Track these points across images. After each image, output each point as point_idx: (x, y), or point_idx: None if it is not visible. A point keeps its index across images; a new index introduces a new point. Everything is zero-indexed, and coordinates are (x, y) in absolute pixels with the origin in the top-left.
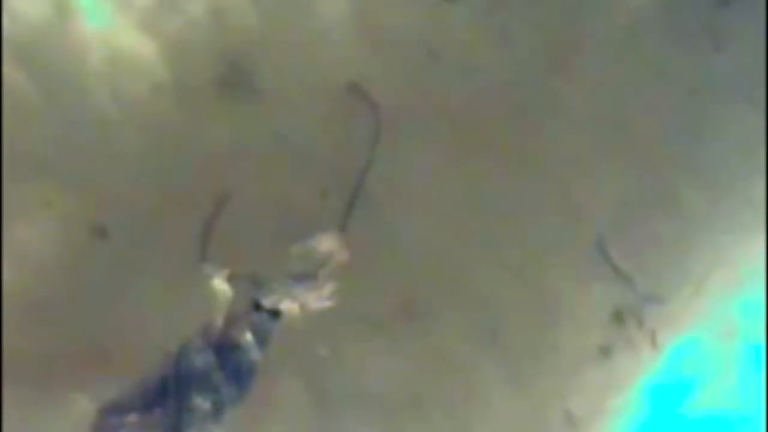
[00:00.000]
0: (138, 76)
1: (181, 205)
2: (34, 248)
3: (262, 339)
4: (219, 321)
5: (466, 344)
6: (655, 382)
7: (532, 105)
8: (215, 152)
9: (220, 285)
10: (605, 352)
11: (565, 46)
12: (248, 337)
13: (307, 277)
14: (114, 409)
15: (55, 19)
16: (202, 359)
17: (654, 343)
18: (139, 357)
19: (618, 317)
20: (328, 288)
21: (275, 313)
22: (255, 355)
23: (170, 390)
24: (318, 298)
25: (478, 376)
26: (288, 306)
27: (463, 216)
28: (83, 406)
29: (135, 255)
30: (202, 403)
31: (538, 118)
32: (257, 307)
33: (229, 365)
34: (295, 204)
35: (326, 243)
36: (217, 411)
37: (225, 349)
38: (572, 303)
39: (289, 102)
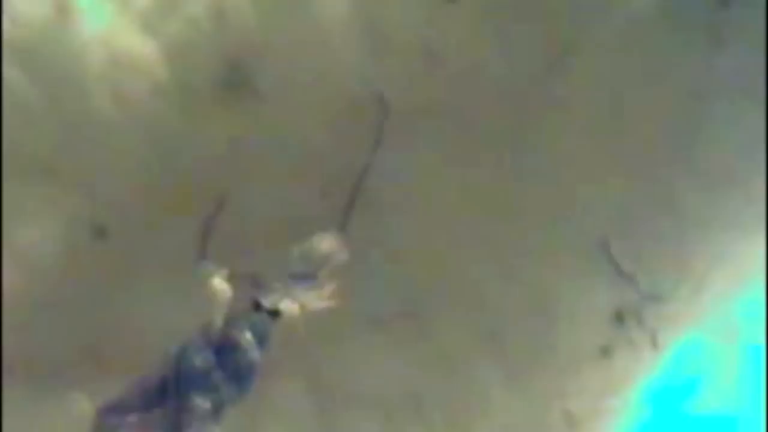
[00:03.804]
0: (138, 76)
1: (181, 205)
2: (34, 248)
3: (262, 339)
4: (219, 321)
5: (466, 344)
6: (655, 383)
7: (532, 105)
8: (215, 152)
9: (220, 285)
10: (605, 352)
11: (565, 46)
12: (248, 337)
13: (307, 277)
14: (114, 409)
15: (55, 19)
16: (201, 359)
17: (654, 343)
18: (139, 357)
19: (618, 317)
20: (328, 288)
21: (275, 313)
22: (255, 355)
23: (170, 390)
24: (318, 298)
25: (477, 376)
26: (288, 306)
27: (463, 216)
28: (83, 406)
29: (135, 255)
30: (202, 403)
31: (538, 118)
32: (257, 307)
33: (229, 365)
34: (295, 204)
35: (326, 243)
36: (217, 411)
37: (225, 349)
38: (572, 303)
39: (289, 102)
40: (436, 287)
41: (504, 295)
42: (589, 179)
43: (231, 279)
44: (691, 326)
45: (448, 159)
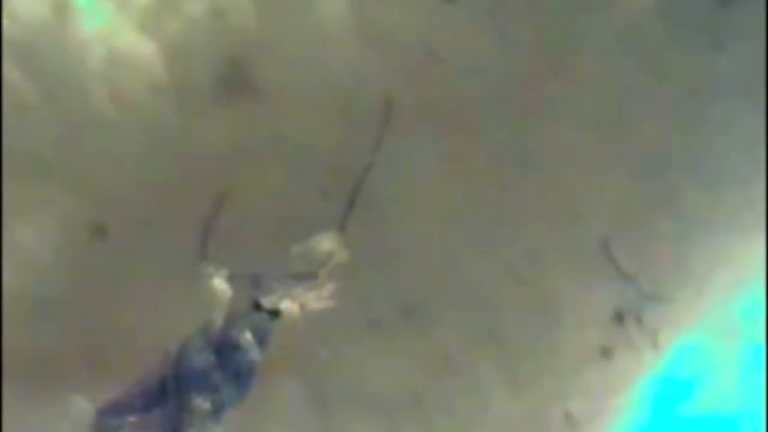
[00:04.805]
0: (137, 76)
1: (181, 205)
2: (34, 248)
3: (262, 339)
4: (219, 321)
5: (466, 344)
6: (655, 383)
7: (532, 105)
8: (215, 152)
9: (220, 285)
10: (606, 352)
11: (565, 46)
12: (248, 337)
13: (307, 277)
14: (113, 410)
15: (55, 19)
16: (202, 359)
17: (655, 344)
18: (139, 357)
19: (618, 317)
20: (328, 288)
21: (275, 313)
22: (255, 355)
23: (170, 390)
24: (318, 298)
25: (477, 376)
26: (288, 306)
27: (463, 216)
28: (83, 407)
29: (135, 255)
30: (202, 403)
31: (538, 118)
32: (257, 307)
33: (229, 365)
34: (295, 204)
35: (326, 243)
36: (217, 411)
37: (225, 349)
38: (572, 303)
39: (289, 102)
40: (436, 287)
41: (504, 295)
42: (589, 179)
43: (231, 279)
44: (691, 327)
45: (448, 159)
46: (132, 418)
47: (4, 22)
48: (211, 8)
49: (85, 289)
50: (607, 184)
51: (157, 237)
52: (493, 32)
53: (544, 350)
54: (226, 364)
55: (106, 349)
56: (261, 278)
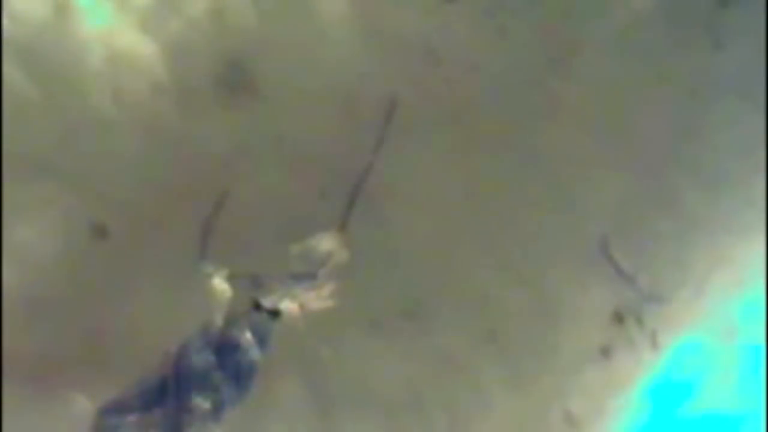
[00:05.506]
0: (138, 76)
1: (181, 205)
2: (34, 248)
3: (262, 339)
4: (219, 321)
5: (466, 344)
6: (655, 383)
7: (532, 105)
8: (215, 152)
9: (220, 285)
10: (605, 352)
11: (565, 46)
12: (248, 337)
13: (307, 277)
14: (113, 409)
15: (55, 19)
16: (202, 359)
17: (654, 344)
18: (139, 357)
19: (618, 317)
20: (328, 288)
21: (275, 313)
22: (255, 355)
23: (170, 390)
24: (318, 298)
25: (478, 376)
26: (288, 306)
27: (463, 216)
28: (83, 406)
29: (135, 255)
30: (202, 403)
31: (538, 118)
32: (257, 306)
33: (229, 365)
34: (295, 204)
35: (326, 243)
36: (217, 411)
37: (225, 349)
38: (572, 303)
39: (289, 102)
40: (436, 287)
41: (504, 295)
42: (589, 179)
43: (231, 279)
44: (691, 327)
45: (448, 159)
46: (132, 418)
47: (4, 22)
48: (211, 8)
49: (85, 289)
50: (606, 184)
51: (157, 237)
52: (494, 32)
53: (544, 350)
54: (226, 364)
55: (106, 348)
56: (261, 278)
